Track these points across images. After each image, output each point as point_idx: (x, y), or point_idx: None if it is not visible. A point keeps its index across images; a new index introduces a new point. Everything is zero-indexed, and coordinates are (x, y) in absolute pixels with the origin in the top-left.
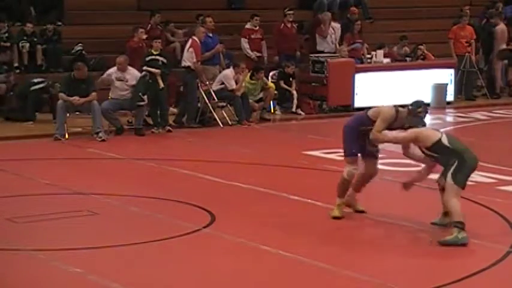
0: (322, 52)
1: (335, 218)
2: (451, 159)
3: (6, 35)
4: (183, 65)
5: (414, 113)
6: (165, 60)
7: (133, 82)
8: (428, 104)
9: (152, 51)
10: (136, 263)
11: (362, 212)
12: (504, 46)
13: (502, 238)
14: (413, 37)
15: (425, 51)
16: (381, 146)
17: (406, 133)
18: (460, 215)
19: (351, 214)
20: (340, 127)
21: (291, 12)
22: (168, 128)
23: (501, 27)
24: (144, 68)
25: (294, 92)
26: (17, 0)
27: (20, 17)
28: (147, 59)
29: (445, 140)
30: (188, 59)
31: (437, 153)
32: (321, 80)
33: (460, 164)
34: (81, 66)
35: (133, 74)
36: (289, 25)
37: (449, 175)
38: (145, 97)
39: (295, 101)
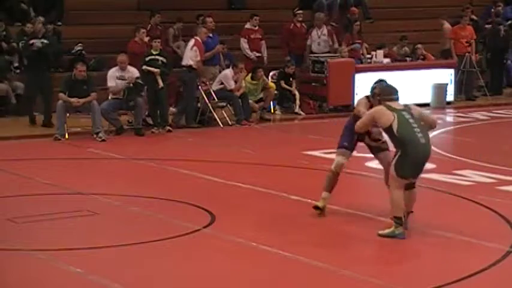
0: (316, 53)
1: (315, 207)
2: (397, 147)
3: (4, 33)
4: (184, 63)
5: (371, 94)
6: (164, 60)
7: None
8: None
9: (152, 51)
10: (136, 263)
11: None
12: (448, 46)
13: (502, 238)
14: (413, 37)
15: (424, 52)
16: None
17: (364, 115)
18: (401, 209)
19: (351, 215)
20: (341, 127)
21: (301, 11)
22: (168, 128)
23: (447, 26)
24: (144, 67)
25: (296, 93)
26: (17, 1)
27: (20, 17)
28: (147, 58)
29: (394, 127)
30: (191, 57)
31: (389, 138)
32: (321, 80)
33: (402, 155)
34: (79, 67)
35: (133, 73)
36: (298, 25)
37: (392, 165)
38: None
39: (297, 102)
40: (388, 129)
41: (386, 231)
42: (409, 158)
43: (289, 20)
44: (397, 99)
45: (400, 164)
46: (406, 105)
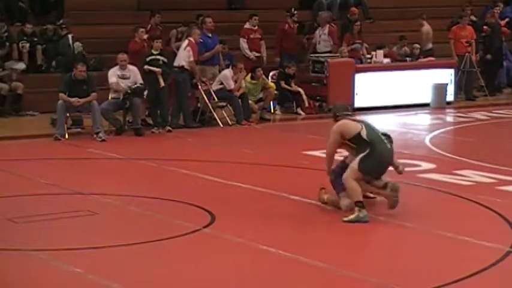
0: (322, 52)
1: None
2: (365, 148)
3: (6, 34)
4: (176, 64)
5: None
6: (165, 60)
7: (134, 79)
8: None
9: (152, 51)
10: (136, 263)
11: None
12: (430, 46)
13: (502, 238)
14: (413, 37)
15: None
16: None
17: (331, 133)
18: (359, 194)
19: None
20: None
21: (296, 12)
22: (168, 128)
23: (426, 28)
24: (145, 67)
25: (300, 90)
26: (16, 0)
27: (20, 17)
28: (148, 59)
29: (363, 133)
30: (184, 58)
31: (355, 144)
32: (321, 80)
33: (370, 153)
34: (79, 67)
35: (134, 71)
36: (292, 25)
37: (357, 159)
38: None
39: (304, 97)
40: (357, 136)
41: (351, 216)
42: (376, 156)
43: (284, 20)
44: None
45: (365, 160)
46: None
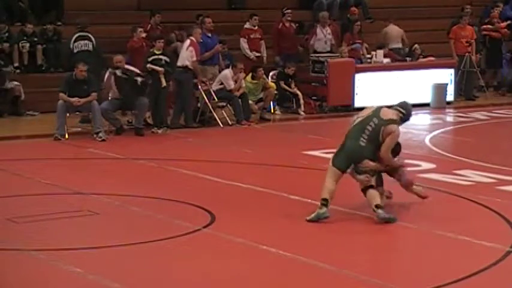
0: (321, 52)
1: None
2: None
3: (7, 34)
4: (179, 64)
5: None
6: (168, 60)
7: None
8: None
9: (154, 51)
10: (136, 263)
11: None
12: (394, 46)
13: (502, 238)
14: (412, 37)
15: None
16: None
17: None
18: (326, 191)
19: (351, 215)
20: (340, 127)
21: (290, 11)
22: (165, 127)
23: (390, 28)
24: (148, 65)
25: (298, 93)
26: (17, 0)
27: (20, 17)
28: (150, 58)
29: (353, 124)
30: (187, 58)
31: None
32: (321, 80)
33: (340, 148)
34: (80, 67)
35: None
36: (287, 24)
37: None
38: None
39: (301, 101)
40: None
41: (312, 215)
42: (343, 150)
43: (279, 20)
44: (397, 109)
45: (336, 154)
46: (391, 119)
